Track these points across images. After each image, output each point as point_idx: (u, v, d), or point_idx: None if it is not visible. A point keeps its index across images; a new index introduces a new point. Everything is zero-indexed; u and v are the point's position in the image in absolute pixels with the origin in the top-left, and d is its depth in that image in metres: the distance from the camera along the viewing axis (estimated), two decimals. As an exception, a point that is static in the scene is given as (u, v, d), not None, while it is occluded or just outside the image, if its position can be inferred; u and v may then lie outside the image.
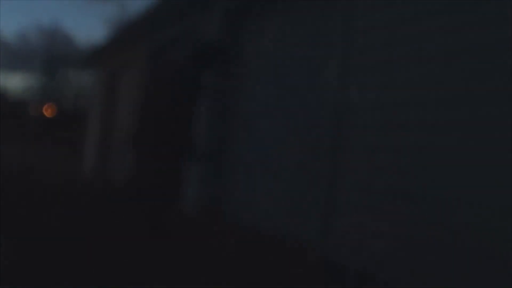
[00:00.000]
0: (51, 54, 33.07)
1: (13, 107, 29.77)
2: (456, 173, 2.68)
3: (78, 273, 2.71)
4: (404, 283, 2.70)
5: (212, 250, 3.15)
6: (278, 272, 2.92)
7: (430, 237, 2.74)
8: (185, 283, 2.53)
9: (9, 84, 59.43)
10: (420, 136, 2.94)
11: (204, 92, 3.33)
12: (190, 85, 3.15)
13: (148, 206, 2.86)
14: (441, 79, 2.86)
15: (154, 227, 2.78)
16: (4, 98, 35.57)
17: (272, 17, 4.98)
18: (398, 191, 2.98)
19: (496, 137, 2.51)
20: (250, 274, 2.84)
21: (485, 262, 2.47)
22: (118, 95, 10.16)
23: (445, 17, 2.88)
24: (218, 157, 3.85)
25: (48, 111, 31.37)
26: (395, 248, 2.67)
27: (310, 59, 4.21)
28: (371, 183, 3.09)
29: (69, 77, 34.24)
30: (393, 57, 3.21)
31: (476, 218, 2.53)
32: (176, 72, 3.26)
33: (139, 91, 3.18)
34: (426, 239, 2.76)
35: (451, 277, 2.61)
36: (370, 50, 3.43)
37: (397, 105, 3.14)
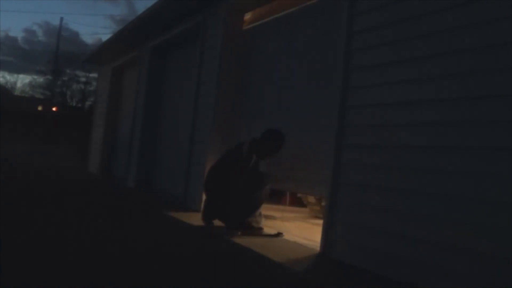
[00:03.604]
0: (58, 52, 33.18)
1: (22, 104, 29.91)
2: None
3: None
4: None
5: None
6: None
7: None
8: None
9: (18, 82, 59.77)
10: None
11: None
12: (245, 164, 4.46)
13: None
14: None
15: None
16: (13, 95, 35.77)
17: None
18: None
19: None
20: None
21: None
22: (122, 92, 10.20)
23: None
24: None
25: (55, 108, 31.53)
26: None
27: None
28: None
29: (76, 75, 34.36)
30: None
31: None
32: (240, 155, 4.51)
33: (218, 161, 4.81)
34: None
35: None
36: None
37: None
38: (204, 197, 4.94)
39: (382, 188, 3.14)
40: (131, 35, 8.27)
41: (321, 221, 3.82)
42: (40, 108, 33.18)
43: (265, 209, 4.68)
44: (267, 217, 4.84)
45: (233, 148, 4.73)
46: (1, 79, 41.20)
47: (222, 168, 4.61)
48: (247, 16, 5.75)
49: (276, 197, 6.04)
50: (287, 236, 4.28)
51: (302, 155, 4.42)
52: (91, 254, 3.15)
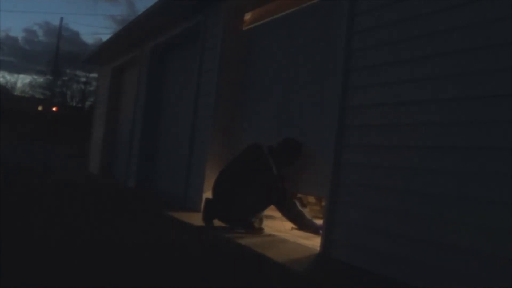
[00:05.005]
0: (58, 52, 33.20)
1: (22, 104, 29.91)
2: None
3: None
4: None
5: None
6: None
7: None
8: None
9: (18, 82, 59.83)
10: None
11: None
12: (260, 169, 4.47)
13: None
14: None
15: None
16: (13, 95, 35.79)
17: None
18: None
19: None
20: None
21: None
22: (122, 92, 10.20)
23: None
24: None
25: (55, 108, 31.56)
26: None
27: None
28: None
29: (76, 75, 34.40)
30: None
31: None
32: (256, 160, 4.52)
33: (231, 161, 4.80)
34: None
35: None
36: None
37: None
38: (204, 197, 4.95)
39: (382, 188, 3.14)
40: (131, 35, 8.27)
41: (321, 221, 3.82)
42: (40, 108, 33.19)
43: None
44: (267, 217, 4.84)
45: (250, 151, 4.67)
46: (1, 79, 41.20)
47: (238, 170, 4.58)
48: (247, 16, 5.75)
49: None
50: (287, 236, 4.28)
51: (302, 155, 4.42)
52: (91, 253, 3.16)
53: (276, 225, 4.85)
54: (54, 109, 32.75)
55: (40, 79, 37.61)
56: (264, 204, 4.47)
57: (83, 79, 35.10)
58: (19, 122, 23.59)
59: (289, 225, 4.75)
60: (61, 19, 64.87)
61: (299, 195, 5.85)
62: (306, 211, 4.80)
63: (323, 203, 4.88)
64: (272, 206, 4.58)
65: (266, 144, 4.58)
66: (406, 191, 2.97)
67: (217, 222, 4.57)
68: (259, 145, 4.61)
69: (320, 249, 3.58)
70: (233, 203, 4.45)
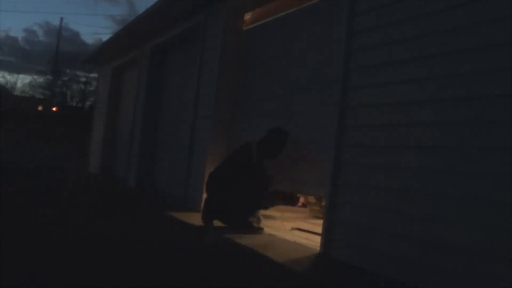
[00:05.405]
0: (58, 52, 33.18)
1: (22, 104, 29.90)
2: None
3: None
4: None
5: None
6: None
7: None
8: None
9: (18, 82, 59.79)
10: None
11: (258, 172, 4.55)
12: (250, 167, 4.52)
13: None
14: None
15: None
16: (13, 95, 35.78)
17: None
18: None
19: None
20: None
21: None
22: (122, 92, 10.20)
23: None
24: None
25: (55, 108, 31.54)
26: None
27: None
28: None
29: (76, 75, 34.38)
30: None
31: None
32: (246, 157, 4.55)
33: (222, 161, 4.86)
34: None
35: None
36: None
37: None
38: (204, 197, 4.95)
39: (382, 188, 3.14)
40: (131, 35, 8.27)
41: (321, 221, 3.82)
42: (40, 108, 33.18)
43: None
44: (267, 217, 4.84)
45: (239, 149, 4.71)
46: (1, 79, 41.15)
47: (228, 169, 4.61)
48: (247, 16, 5.75)
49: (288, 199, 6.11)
50: (287, 236, 4.28)
51: (302, 155, 4.42)
52: (92, 253, 3.16)
53: (276, 225, 4.85)
54: (54, 109, 32.75)
55: (40, 79, 37.56)
56: (257, 203, 4.48)
57: (83, 79, 35.07)
58: (19, 122, 23.57)
59: (289, 225, 4.75)
60: (61, 19, 64.98)
61: (299, 195, 5.86)
62: (309, 209, 4.81)
63: (323, 203, 4.88)
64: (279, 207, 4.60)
65: (257, 139, 4.61)
66: (406, 191, 2.97)
67: (217, 222, 4.57)
68: (248, 143, 4.62)
69: (320, 249, 3.58)
70: (227, 204, 4.46)
